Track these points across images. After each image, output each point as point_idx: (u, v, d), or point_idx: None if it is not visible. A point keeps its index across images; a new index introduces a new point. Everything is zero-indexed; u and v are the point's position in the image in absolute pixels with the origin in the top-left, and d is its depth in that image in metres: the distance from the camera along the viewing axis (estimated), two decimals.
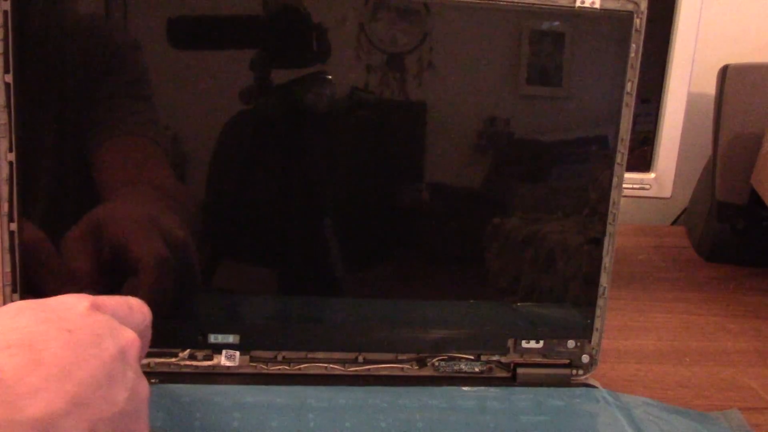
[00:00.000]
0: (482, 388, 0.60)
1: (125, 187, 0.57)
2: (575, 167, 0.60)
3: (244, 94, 0.55)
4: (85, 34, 0.53)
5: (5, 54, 0.52)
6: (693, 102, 0.85)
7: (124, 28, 0.54)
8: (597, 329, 0.61)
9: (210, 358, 0.58)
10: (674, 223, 1.17)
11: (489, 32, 0.57)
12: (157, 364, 0.58)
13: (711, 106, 0.94)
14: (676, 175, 0.84)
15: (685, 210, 1.12)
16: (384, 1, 0.55)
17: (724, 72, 0.92)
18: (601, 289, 0.61)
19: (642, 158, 0.83)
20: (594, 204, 0.60)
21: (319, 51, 0.55)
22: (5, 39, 0.52)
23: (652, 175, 0.84)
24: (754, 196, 0.90)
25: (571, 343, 0.61)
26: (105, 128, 0.55)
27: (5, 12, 0.51)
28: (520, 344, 0.61)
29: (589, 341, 0.62)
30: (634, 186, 0.83)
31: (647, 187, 0.84)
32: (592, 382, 0.62)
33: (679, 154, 0.83)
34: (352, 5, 0.55)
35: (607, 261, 0.60)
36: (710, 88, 0.94)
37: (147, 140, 0.56)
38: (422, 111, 0.57)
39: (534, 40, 0.57)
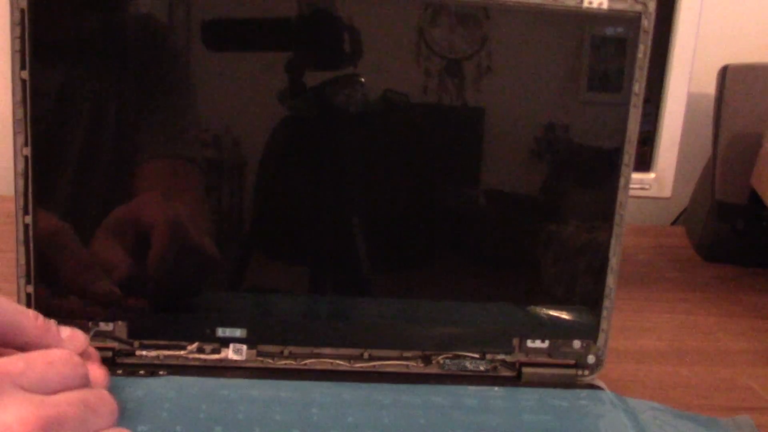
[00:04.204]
0: (486, 386, 0.59)
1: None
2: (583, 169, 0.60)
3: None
4: (102, 32, 0.54)
5: (22, 51, 0.52)
6: (693, 102, 0.85)
7: (146, 29, 0.54)
8: (603, 330, 0.61)
9: (218, 352, 0.59)
10: (674, 223, 1.18)
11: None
12: (165, 356, 0.58)
13: (711, 106, 0.94)
14: (676, 175, 0.85)
15: (685, 210, 1.13)
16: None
17: (724, 72, 0.92)
18: (607, 290, 0.61)
19: (642, 158, 0.83)
20: (601, 205, 0.60)
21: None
22: (21, 36, 0.52)
23: (652, 175, 0.84)
24: (754, 196, 0.90)
25: (576, 344, 0.61)
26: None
27: (22, 10, 0.52)
28: (526, 344, 0.61)
29: (595, 342, 0.62)
30: (634, 186, 0.83)
31: (647, 187, 0.85)
32: (598, 383, 0.62)
33: (679, 154, 0.84)
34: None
35: (614, 262, 0.60)
36: (710, 88, 0.94)
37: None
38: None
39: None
